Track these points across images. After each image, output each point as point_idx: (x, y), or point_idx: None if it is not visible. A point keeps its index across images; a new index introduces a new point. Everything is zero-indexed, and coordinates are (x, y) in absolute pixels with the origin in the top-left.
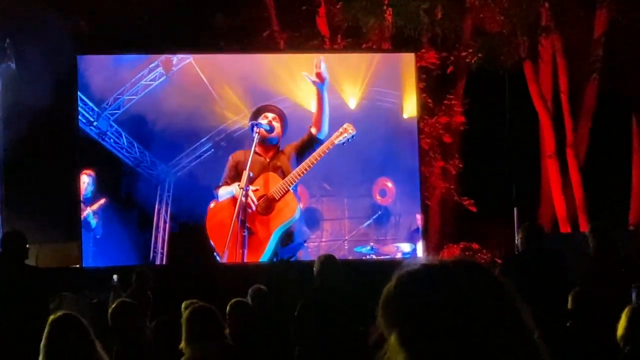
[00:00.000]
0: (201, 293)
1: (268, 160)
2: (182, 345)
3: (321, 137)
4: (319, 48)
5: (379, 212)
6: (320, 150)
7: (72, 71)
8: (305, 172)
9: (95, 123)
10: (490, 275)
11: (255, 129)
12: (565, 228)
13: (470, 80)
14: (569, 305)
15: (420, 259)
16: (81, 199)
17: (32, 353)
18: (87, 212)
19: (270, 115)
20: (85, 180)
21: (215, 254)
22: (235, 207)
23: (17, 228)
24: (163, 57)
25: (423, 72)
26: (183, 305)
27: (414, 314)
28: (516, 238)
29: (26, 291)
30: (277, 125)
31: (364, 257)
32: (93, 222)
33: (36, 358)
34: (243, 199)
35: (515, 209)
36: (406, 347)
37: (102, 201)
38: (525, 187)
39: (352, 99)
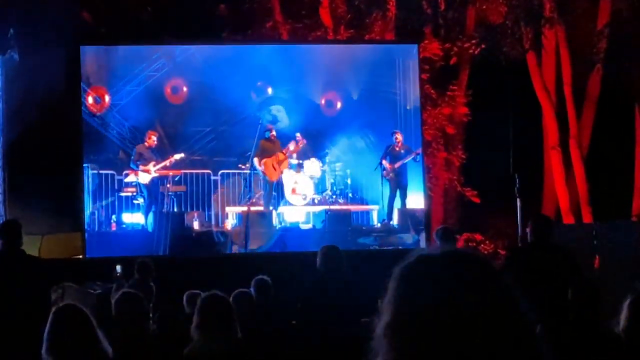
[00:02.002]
0: (203, 284)
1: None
2: (192, 330)
3: None
4: (322, 39)
5: None
6: None
7: (75, 62)
8: None
9: (98, 114)
10: (488, 266)
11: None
12: (568, 219)
13: (474, 71)
14: (569, 297)
15: (423, 250)
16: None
17: (33, 342)
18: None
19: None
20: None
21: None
22: None
23: (14, 218)
24: (166, 47)
25: (426, 63)
26: (185, 295)
27: (402, 302)
28: (519, 228)
29: (25, 280)
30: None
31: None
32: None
33: (38, 347)
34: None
35: (518, 200)
36: (389, 335)
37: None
38: (528, 178)
39: (355, 89)
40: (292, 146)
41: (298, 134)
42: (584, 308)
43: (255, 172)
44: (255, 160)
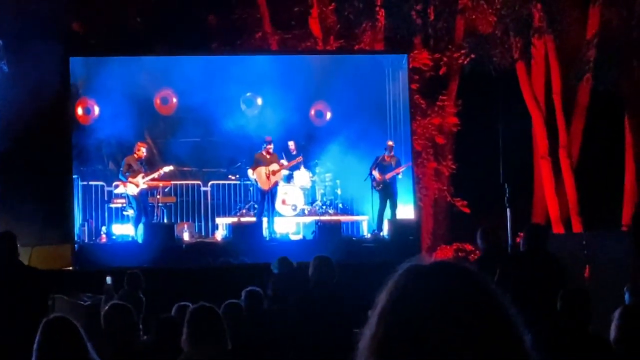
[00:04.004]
0: (193, 295)
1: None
2: (182, 342)
3: None
4: (312, 49)
5: None
6: None
7: (64, 73)
8: None
9: (88, 125)
10: (477, 278)
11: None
12: (558, 229)
13: (463, 81)
14: (558, 306)
15: (413, 261)
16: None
17: (29, 353)
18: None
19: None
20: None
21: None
22: None
23: (8, 229)
24: (156, 58)
25: (416, 73)
26: (174, 307)
27: (389, 313)
28: (509, 238)
29: (24, 291)
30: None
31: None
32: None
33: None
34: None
35: (508, 210)
36: (373, 346)
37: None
38: (518, 188)
39: (344, 99)
40: (291, 145)
41: (291, 142)
42: (574, 316)
43: (246, 181)
44: (249, 171)
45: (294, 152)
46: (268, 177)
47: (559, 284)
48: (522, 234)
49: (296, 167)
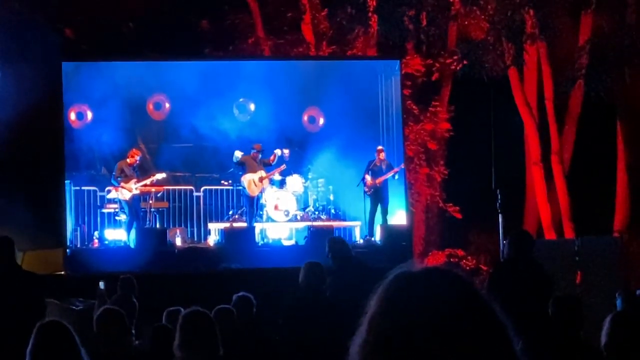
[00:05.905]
0: (185, 300)
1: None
2: (174, 348)
3: None
4: (304, 55)
5: None
6: None
7: (57, 77)
8: None
9: (80, 130)
10: (467, 284)
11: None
12: (550, 235)
13: (456, 87)
14: (550, 312)
15: (405, 266)
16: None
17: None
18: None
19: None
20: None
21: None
22: None
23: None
24: (148, 63)
25: (408, 79)
26: (165, 313)
27: (380, 320)
28: (501, 244)
29: (24, 296)
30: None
31: None
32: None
33: None
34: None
35: (500, 215)
36: (365, 353)
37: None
38: (510, 194)
39: (337, 105)
40: (278, 152)
41: (286, 151)
42: (565, 323)
43: (238, 187)
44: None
45: (287, 159)
46: (256, 184)
47: (545, 290)
48: (506, 241)
49: (288, 173)
